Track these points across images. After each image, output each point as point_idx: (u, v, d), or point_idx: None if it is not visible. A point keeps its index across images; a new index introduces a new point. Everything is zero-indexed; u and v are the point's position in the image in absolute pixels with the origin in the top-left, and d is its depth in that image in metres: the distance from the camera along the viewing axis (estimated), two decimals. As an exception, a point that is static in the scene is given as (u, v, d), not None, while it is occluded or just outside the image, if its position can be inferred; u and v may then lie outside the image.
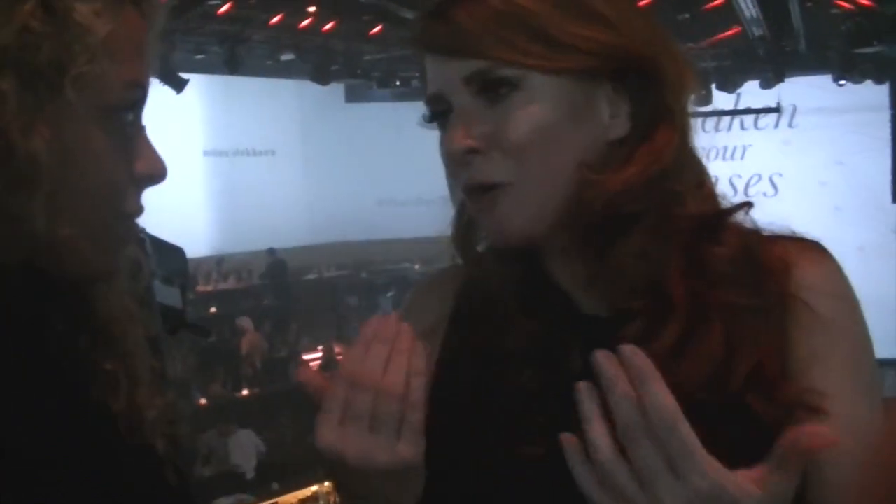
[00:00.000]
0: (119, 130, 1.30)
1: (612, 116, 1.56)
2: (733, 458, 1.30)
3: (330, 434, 1.44)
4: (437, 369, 1.66)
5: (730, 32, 15.62)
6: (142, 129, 1.36)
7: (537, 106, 1.52)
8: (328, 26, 16.69)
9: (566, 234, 1.56)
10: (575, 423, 1.30)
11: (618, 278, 1.54)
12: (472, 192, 1.57)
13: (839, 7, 14.77)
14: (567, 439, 1.31)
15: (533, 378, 1.52)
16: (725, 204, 1.62)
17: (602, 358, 1.27)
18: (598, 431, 1.28)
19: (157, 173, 1.36)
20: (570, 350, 1.53)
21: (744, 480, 1.25)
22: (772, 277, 1.53)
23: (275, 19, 16.23)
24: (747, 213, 1.61)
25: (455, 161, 1.55)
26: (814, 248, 1.60)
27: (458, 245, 1.72)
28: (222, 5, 14.58)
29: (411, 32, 1.63)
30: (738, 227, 1.59)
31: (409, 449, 1.43)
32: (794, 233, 1.62)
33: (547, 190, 1.53)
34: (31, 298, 1.32)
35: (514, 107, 1.52)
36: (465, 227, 1.70)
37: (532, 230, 1.55)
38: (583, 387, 1.29)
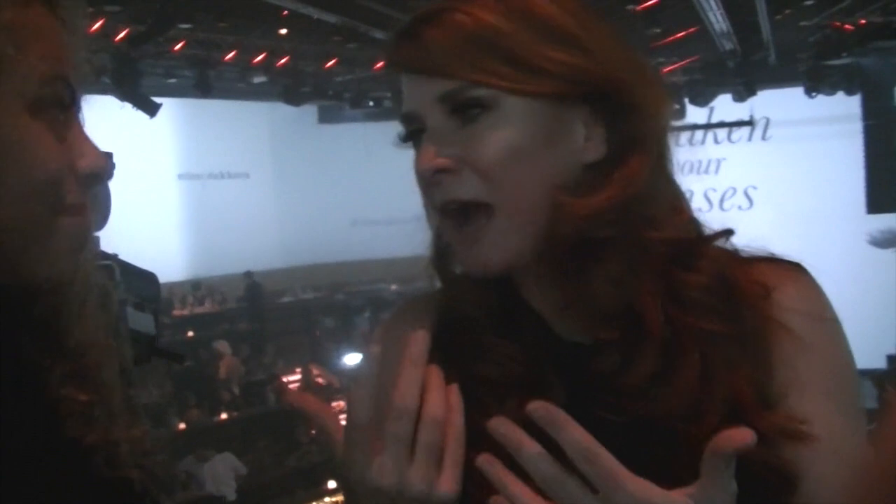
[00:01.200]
0: (50, 126, 1.29)
1: (586, 139, 1.55)
2: None
3: (363, 461, 1.43)
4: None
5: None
6: (79, 127, 1.35)
7: (509, 127, 1.51)
8: (293, 53, 16.74)
9: (542, 259, 1.54)
10: (559, 452, 1.30)
11: (592, 304, 1.52)
12: (447, 212, 1.55)
13: (807, 20, 14.88)
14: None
15: (514, 408, 1.44)
16: (705, 229, 1.61)
17: (497, 425, 1.27)
18: (519, 490, 1.29)
19: (97, 169, 1.35)
20: (550, 378, 1.53)
21: (674, 494, 1.25)
22: (749, 303, 1.52)
23: (244, 42, 16.24)
24: (727, 240, 1.60)
25: (426, 180, 1.54)
26: (794, 270, 1.59)
27: (437, 268, 1.69)
28: (190, 31, 14.57)
29: (384, 52, 1.62)
30: (714, 251, 1.58)
31: (450, 482, 1.43)
32: (772, 254, 1.61)
33: (524, 214, 1.51)
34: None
35: (486, 127, 1.51)
36: (443, 249, 1.68)
37: (513, 260, 1.54)
38: (482, 460, 1.30)
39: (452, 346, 1.61)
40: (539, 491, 1.28)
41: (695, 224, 1.60)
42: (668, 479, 1.34)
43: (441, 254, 1.68)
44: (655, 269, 1.52)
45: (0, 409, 1.27)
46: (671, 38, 15.05)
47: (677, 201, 1.60)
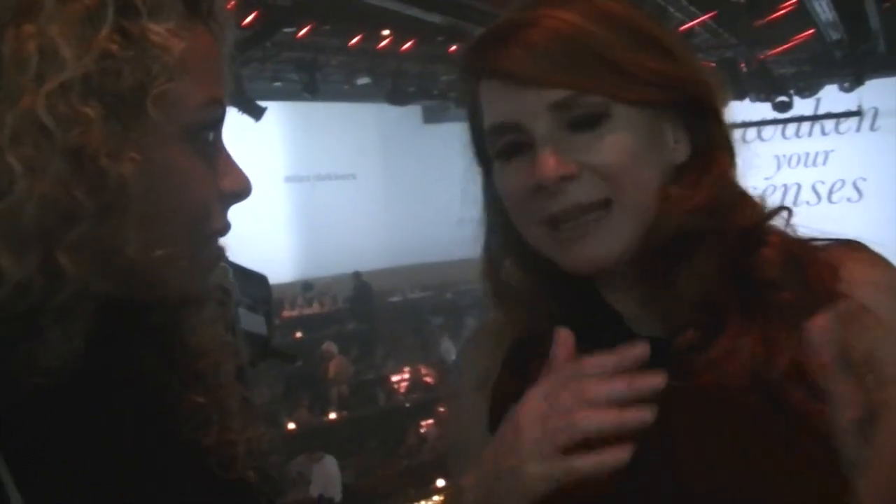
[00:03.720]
0: (202, 149, 1.30)
1: (675, 142, 1.61)
2: (775, 452, 1.44)
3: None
4: (492, 413, 1.68)
5: (805, 34, 15.51)
6: (223, 146, 1.36)
7: (624, 133, 1.54)
8: (404, 47, 16.77)
9: (636, 255, 1.57)
10: (638, 452, 1.31)
11: (679, 298, 1.55)
12: (559, 220, 1.56)
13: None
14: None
15: None
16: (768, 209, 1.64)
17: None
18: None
19: (242, 189, 1.36)
20: None
21: None
22: (819, 280, 1.54)
23: (350, 43, 16.33)
24: (789, 219, 1.63)
25: (549, 189, 1.53)
26: (858, 247, 1.61)
27: (497, 295, 1.73)
28: (297, 32, 14.66)
29: (471, 56, 1.63)
30: (782, 233, 1.61)
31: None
32: (834, 237, 1.63)
33: (637, 209, 1.55)
34: (124, 333, 1.32)
35: (604, 133, 1.54)
36: (494, 259, 1.72)
37: (620, 254, 1.56)
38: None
39: (531, 356, 1.62)
40: None
41: (758, 206, 1.64)
42: (736, 442, 1.38)
43: (493, 264, 1.73)
44: (728, 252, 1.56)
45: (120, 413, 1.29)
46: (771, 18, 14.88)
47: (740, 186, 1.65)
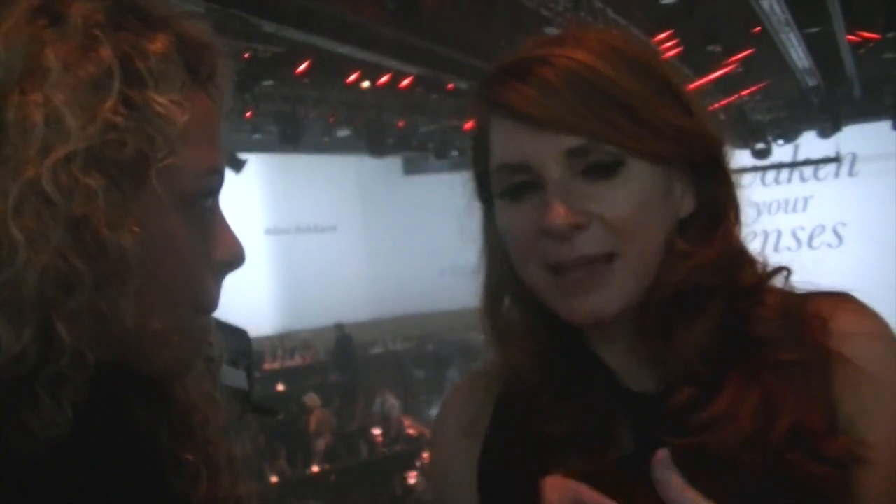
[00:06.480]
0: (199, 216, 1.30)
1: (682, 195, 1.57)
2: None
3: None
4: (483, 462, 1.67)
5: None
6: (219, 211, 1.35)
7: (638, 184, 1.50)
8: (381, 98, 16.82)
9: (637, 309, 1.54)
10: (628, 501, 1.30)
11: (675, 353, 1.52)
12: (566, 269, 1.51)
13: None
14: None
15: (582, 462, 1.46)
16: (762, 265, 1.62)
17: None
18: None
19: (235, 259, 1.36)
20: (617, 431, 1.54)
21: None
22: (810, 334, 1.53)
23: (328, 96, 16.36)
24: (787, 278, 1.61)
25: (558, 236, 1.49)
26: (845, 298, 1.59)
27: (496, 341, 1.68)
28: (273, 88, 14.68)
29: (483, 92, 1.58)
30: (778, 290, 1.60)
31: None
32: (821, 289, 1.61)
33: (644, 262, 1.52)
34: (118, 395, 1.31)
35: (617, 185, 1.49)
36: (493, 298, 1.69)
37: (625, 307, 1.52)
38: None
39: (519, 408, 1.63)
40: None
41: (755, 262, 1.62)
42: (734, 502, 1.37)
43: (492, 304, 1.70)
44: (726, 308, 1.54)
45: (113, 471, 1.28)
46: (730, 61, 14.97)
47: (740, 243, 1.62)
